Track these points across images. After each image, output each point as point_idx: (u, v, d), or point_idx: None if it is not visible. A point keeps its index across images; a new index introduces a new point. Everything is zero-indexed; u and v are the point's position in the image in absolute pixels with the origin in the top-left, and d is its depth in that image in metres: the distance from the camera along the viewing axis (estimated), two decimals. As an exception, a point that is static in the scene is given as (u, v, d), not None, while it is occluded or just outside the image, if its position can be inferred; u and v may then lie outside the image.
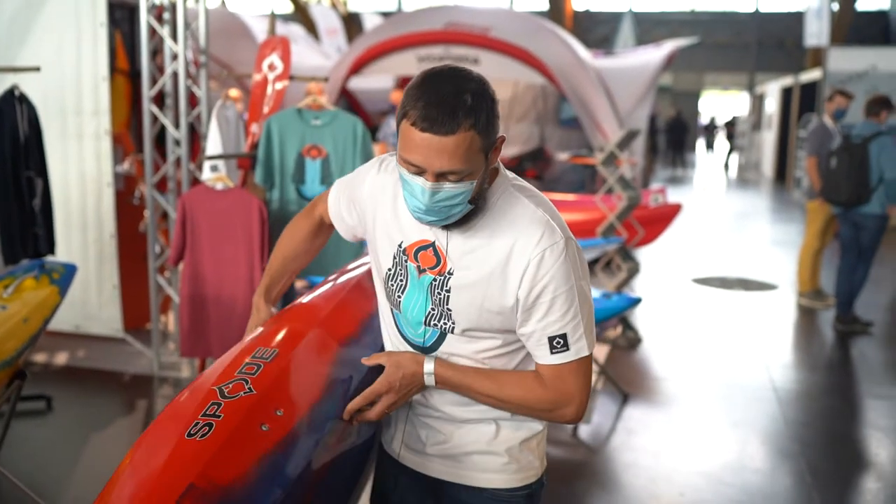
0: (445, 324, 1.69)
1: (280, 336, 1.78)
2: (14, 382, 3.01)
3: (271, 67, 4.37)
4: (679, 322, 7.06)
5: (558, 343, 1.63)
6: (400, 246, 1.72)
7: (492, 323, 1.67)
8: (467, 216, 1.62)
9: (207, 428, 1.44)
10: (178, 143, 5.18)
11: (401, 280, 1.73)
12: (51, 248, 4.75)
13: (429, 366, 1.70)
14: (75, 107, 5.33)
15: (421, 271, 1.69)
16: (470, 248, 1.65)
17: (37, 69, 4.50)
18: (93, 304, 5.52)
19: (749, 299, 7.88)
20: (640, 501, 3.85)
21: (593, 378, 5.04)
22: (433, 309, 1.69)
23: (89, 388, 5.09)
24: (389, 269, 1.75)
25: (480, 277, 1.64)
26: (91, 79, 5.28)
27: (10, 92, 4.54)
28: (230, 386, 1.56)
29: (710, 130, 25.44)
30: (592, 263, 7.06)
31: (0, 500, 3.60)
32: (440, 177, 1.52)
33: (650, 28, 25.93)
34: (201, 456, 1.38)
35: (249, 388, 1.56)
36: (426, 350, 1.75)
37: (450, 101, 1.48)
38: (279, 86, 4.34)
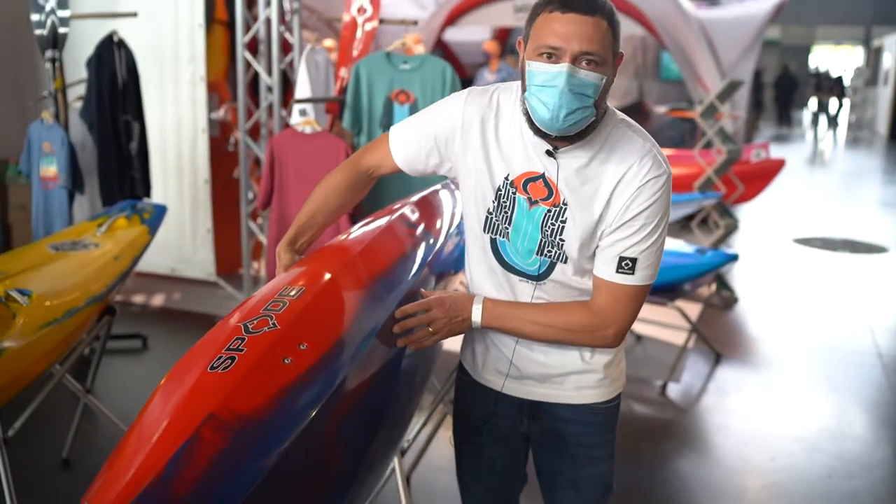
0: (558, 253, 1.72)
1: (308, 275, 1.77)
2: (104, 318, 3.09)
3: (360, 10, 4.31)
4: (778, 282, 6.78)
5: (626, 265, 1.68)
6: (507, 178, 1.73)
7: (595, 248, 1.72)
8: (587, 132, 1.63)
9: (230, 361, 1.44)
10: (270, 89, 5.21)
11: (506, 212, 1.74)
12: (147, 192, 4.87)
13: (477, 300, 1.78)
14: (172, 54, 5.42)
15: (532, 203, 1.71)
16: (580, 179, 1.67)
17: (134, 14, 4.57)
18: (187, 248, 5.66)
19: (855, 261, 7.50)
20: (728, 464, 3.72)
21: (683, 336, 4.89)
22: (544, 239, 1.72)
23: (182, 329, 5.24)
24: (493, 201, 1.76)
25: (591, 206, 1.67)
26: (187, 26, 5.35)
27: (109, 38, 4.63)
28: (255, 322, 1.56)
29: (822, 86, 24.16)
30: (688, 219, 6.84)
31: (96, 431, 3.74)
32: (577, 61, 1.55)
33: (759, -22, 24.73)
34: (222, 387, 1.38)
35: (274, 324, 1.55)
36: (538, 278, 1.77)
37: None
38: (368, 27, 4.29)
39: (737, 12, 11.26)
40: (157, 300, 5.71)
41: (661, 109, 10.98)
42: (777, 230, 8.80)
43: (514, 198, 1.73)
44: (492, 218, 1.77)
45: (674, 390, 4.49)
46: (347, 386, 1.62)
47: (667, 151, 8.11)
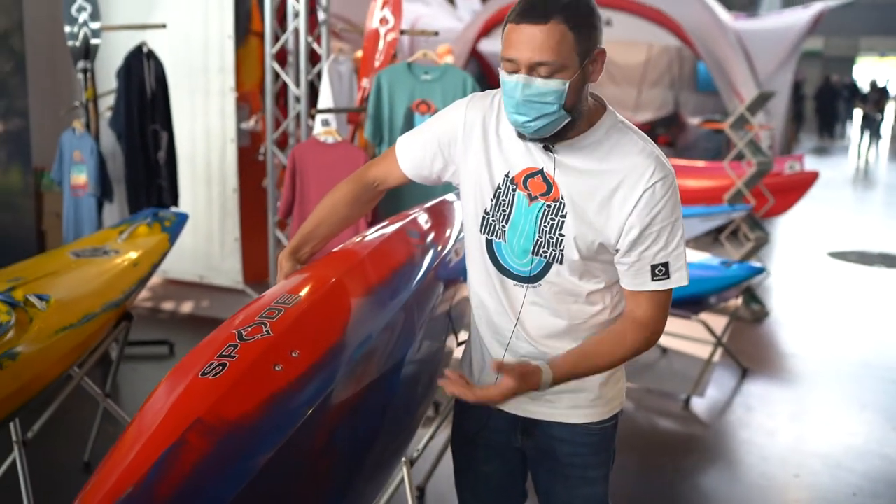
0: (553, 252, 1.71)
1: (306, 283, 1.77)
2: (121, 323, 3.14)
3: (383, 21, 4.34)
4: (810, 296, 6.66)
5: (660, 271, 1.69)
6: (507, 175, 1.74)
7: (598, 253, 1.71)
8: (567, 132, 1.64)
9: (220, 367, 1.45)
10: (298, 100, 5.26)
11: (504, 211, 1.75)
12: (174, 200, 4.94)
13: (545, 375, 1.70)
14: (202, 65, 5.50)
15: (532, 199, 1.71)
16: (578, 174, 1.67)
17: (163, 26, 4.66)
18: (215, 256, 5.73)
19: (891, 277, 7.34)
20: (750, 480, 3.65)
21: (709, 349, 4.82)
22: (541, 237, 1.71)
23: (209, 337, 5.28)
24: (491, 199, 1.76)
25: (590, 204, 1.67)
26: (217, 38, 5.43)
27: (139, 49, 4.72)
28: (249, 329, 1.56)
29: (865, 98, 23.63)
30: (717, 231, 6.75)
31: (118, 434, 3.78)
32: (532, 70, 1.56)
33: (801, -11, 24.42)
34: (211, 393, 1.39)
35: (267, 331, 1.56)
36: (530, 280, 1.76)
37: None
38: (390, 37, 4.31)
39: (775, 23, 11.15)
40: (186, 307, 5.78)
41: (694, 121, 10.87)
42: (812, 243, 8.65)
43: (514, 195, 1.73)
44: (488, 218, 1.77)
45: (698, 405, 4.43)
46: (340, 393, 1.61)
47: (698, 163, 8.08)
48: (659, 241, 1.66)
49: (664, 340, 5.14)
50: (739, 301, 5.71)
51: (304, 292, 1.73)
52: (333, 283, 1.79)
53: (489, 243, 1.79)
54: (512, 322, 1.80)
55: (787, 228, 9.32)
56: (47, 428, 3.11)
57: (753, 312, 5.82)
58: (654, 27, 9.78)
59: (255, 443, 1.40)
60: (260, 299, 1.74)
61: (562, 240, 1.70)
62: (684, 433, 4.17)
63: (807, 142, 20.60)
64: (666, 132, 11.46)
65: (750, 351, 5.23)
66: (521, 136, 1.69)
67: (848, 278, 7.27)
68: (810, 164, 8.56)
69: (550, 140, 1.66)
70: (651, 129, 11.48)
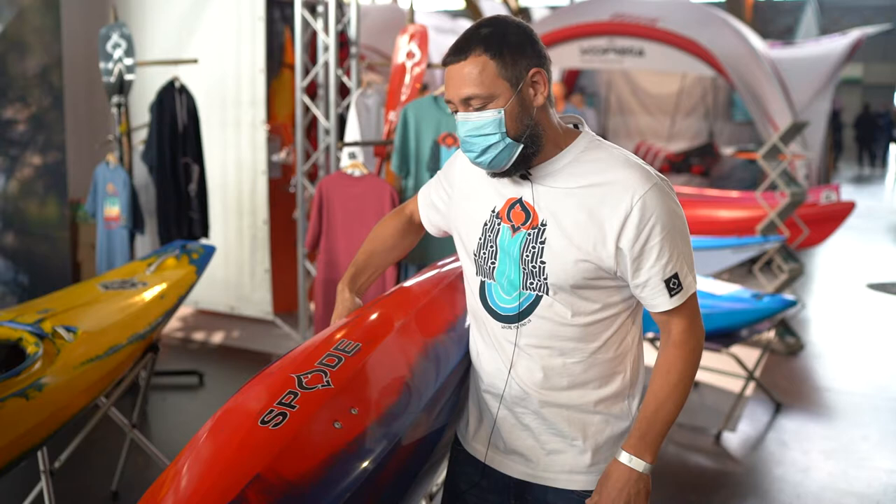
0: (539, 282, 1.66)
1: (366, 329, 1.76)
2: (147, 355, 3.17)
3: (409, 55, 4.38)
4: (848, 329, 6.52)
5: (674, 284, 1.63)
6: (493, 210, 1.73)
7: (586, 278, 1.64)
8: (530, 159, 1.63)
9: (281, 417, 1.43)
10: (327, 132, 5.32)
11: (491, 247, 1.72)
12: (205, 232, 5.01)
13: (637, 463, 1.66)
14: (234, 98, 5.59)
15: (515, 230, 1.69)
16: (556, 195, 1.65)
17: (195, 61, 4.74)
18: (246, 287, 5.78)
19: (934, 309, 7.17)
20: (783, 519, 3.57)
21: (740, 383, 4.73)
22: (524, 267, 1.67)
23: (239, 367, 5.32)
24: (479, 239, 1.75)
25: (573, 225, 1.62)
26: (249, 71, 5.51)
27: (171, 83, 4.81)
28: (309, 377, 1.55)
29: None
30: (750, 263, 6.66)
31: (146, 464, 3.81)
32: (465, 105, 1.60)
33: (838, 17, 24.18)
34: (272, 446, 1.38)
35: (328, 382, 1.55)
36: (518, 318, 1.69)
37: (466, 34, 1.61)
38: (416, 71, 4.35)
39: (811, 51, 11.04)
40: (216, 337, 5.82)
41: (728, 151, 10.79)
42: (850, 275, 8.49)
43: (499, 228, 1.71)
44: (478, 258, 1.75)
45: (729, 440, 4.34)
46: (390, 457, 1.59)
47: (732, 193, 7.99)
48: (664, 252, 1.60)
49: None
50: (773, 334, 5.62)
51: (363, 340, 1.71)
52: (393, 335, 1.77)
53: (482, 286, 1.76)
54: (505, 370, 1.74)
55: (825, 259, 9.17)
56: (75, 457, 3.14)
57: (788, 345, 5.72)
58: (688, 57, 9.75)
59: None
60: (321, 338, 1.73)
61: (544, 267, 1.64)
62: (715, 469, 4.09)
63: (846, 171, 20.31)
64: (700, 162, 11.38)
65: (784, 385, 5.13)
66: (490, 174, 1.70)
67: (887, 310, 7.11)
68: (849, 193, 8.44)
69: (512, 171, 1.65)
70: (685, 159, 11.42)
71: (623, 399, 1.75)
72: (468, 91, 1.58)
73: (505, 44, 1.57)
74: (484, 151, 1.61)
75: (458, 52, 1.59)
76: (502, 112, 1.58)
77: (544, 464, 1.76)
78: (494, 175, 1.67)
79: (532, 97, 1.61)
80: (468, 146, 1.63)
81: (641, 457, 1.65)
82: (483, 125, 1.59)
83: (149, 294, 3.24)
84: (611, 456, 1.74)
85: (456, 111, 1.63)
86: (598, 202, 1.60)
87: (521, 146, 1.61)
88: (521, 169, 1.65)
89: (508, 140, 1.59)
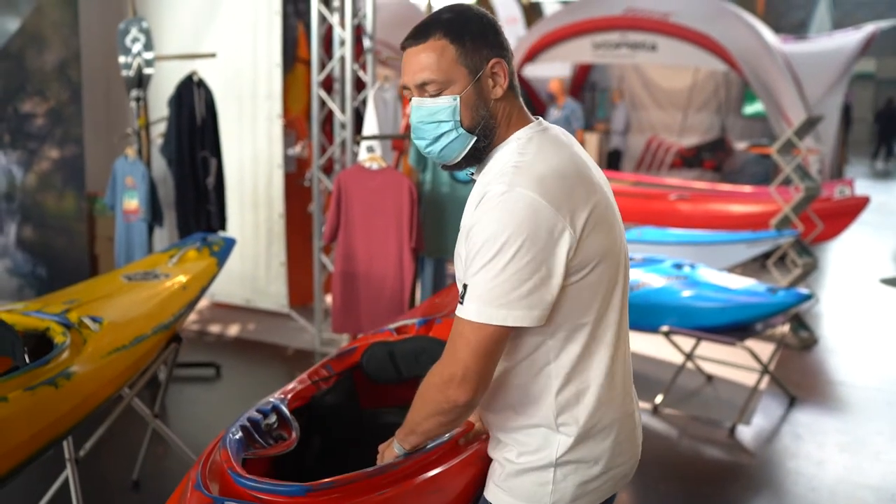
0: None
1: None
2: (170, 345, 3.21)
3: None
4: (861, 323, 6.52)
5: (462, 293, 1.47)
6: None
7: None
8: (481, 154, 1.57)
9: None
10: (343, 126, 5.35)
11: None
12: (222, 225, 5.04)
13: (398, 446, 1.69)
14: (251, 92, 5.62)
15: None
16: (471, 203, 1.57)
17: (212, 55, 4.78)
18: (261, 280, 5.82)
19: (947, 304, 7.16)
20: (798, 511, 3.59)
21: (754, 377, 4.75)
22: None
23: (255, 359, 5.36)
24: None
25: (464, 229, 1.55)
26: (265, 65, 5.55)
27: (189, 77, 4.85)
28: None
29: None
30: (764, 257, 6.66)
31: (167, 454, 3.86)
32: (421, 91, 1.55)
33: (851, 10, 24.06)
34: None
35: None
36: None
37: (427, 19, 1.57)
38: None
39: (824, 45, 11.00)
40: (232, 330, 5.87)
41: (741, 146, 10.77)
42: (863, 270, 8.48)
43: None
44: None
45: (744, 433, 4.36)
46: None
47: (745, 188, 7.99)
48: (475, 259, 1.44)
49: (710, 367, 5.08)
50: (787, 328, 5.63)
51: None
52: None
53: None
54: None
55: (838, 254, 9.15)
56: (98, 446, 3.18)
57: (802, 340, 5.73)
58: (701, 51, 9.75)
59: None
60: None
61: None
62: (730, 462, 4.10)
63: (859, 166, 20.23)
64: (712, 157, 11.37)
65: (798, 379, 5.14)
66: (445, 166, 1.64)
67: (900, 305, 7.11)
68: (866, 188, 8.41)
69: (462, 164, 1.60)
70: (697, 154, 11.40)
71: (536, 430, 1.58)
72: (425, 76, 1.52)
73: (466, 30, 1.52)
74: (436, 140, 1.56)
75: (418, 35, 1.54)
76: (458, 99, 1.52)
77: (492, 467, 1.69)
78: (444, 168, 1.64)
79: (490, 88, 1.55)
80: (419, 133, 1.57)
81: (400, 443, 1.69)
82: (437, 111, 1.53)
83: (171, 285, 3.29)
84: (529, 485, 1.57)
85: (410, 97, 1.58)
86: (475, 203, 1.52)
87: (475, 138, 1.55)
88: (472, 163, 1.59)
89: (461, 130, 1.54)
